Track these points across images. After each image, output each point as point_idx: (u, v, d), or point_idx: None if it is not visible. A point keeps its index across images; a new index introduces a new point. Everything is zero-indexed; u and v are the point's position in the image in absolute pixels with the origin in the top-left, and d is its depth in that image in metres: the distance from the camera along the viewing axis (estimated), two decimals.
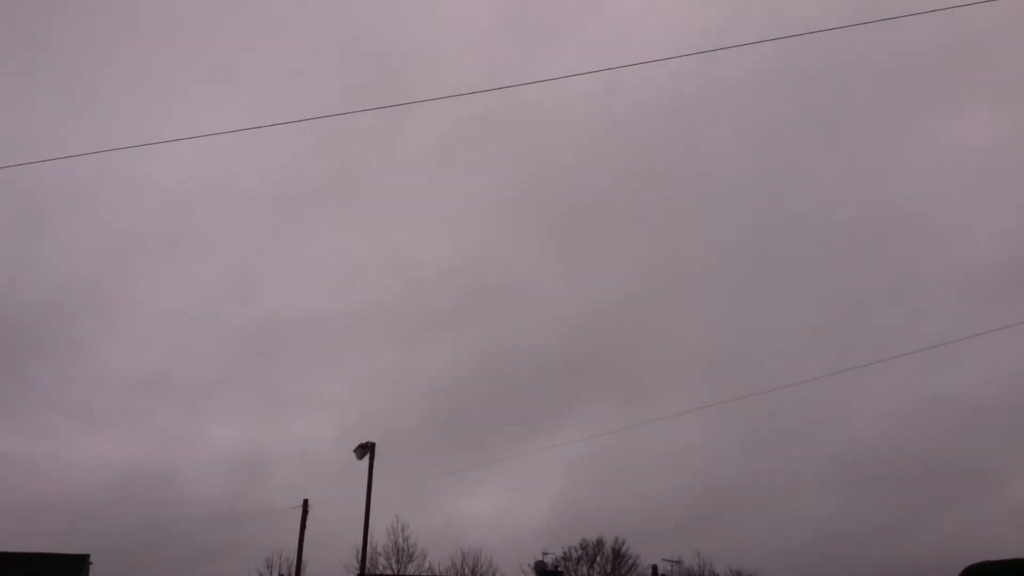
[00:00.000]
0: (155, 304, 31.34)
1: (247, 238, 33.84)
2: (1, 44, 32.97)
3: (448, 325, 29.65)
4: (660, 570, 20.99)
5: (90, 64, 34.58)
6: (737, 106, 25.66)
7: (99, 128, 28.73)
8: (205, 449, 26.86)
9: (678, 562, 21.21)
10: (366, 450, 12.67)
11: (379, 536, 19.70)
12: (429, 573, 20.33)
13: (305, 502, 14.24)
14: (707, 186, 24.52)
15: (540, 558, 21.19)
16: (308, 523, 14.12)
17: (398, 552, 20.16)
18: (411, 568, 20.20)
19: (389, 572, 20.06)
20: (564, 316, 27.02)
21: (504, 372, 28.34)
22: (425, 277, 30.67)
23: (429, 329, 29.31)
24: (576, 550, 22.29)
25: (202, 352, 30.03)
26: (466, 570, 20.82)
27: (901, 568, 17.80)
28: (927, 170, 19.34)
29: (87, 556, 18.97)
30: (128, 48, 34.99)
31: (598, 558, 22.14)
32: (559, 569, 21.22)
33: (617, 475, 21.46)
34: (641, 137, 28.06)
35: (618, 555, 22.13)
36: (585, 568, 22.04)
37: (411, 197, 33.35)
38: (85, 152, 8.29)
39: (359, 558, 13.14)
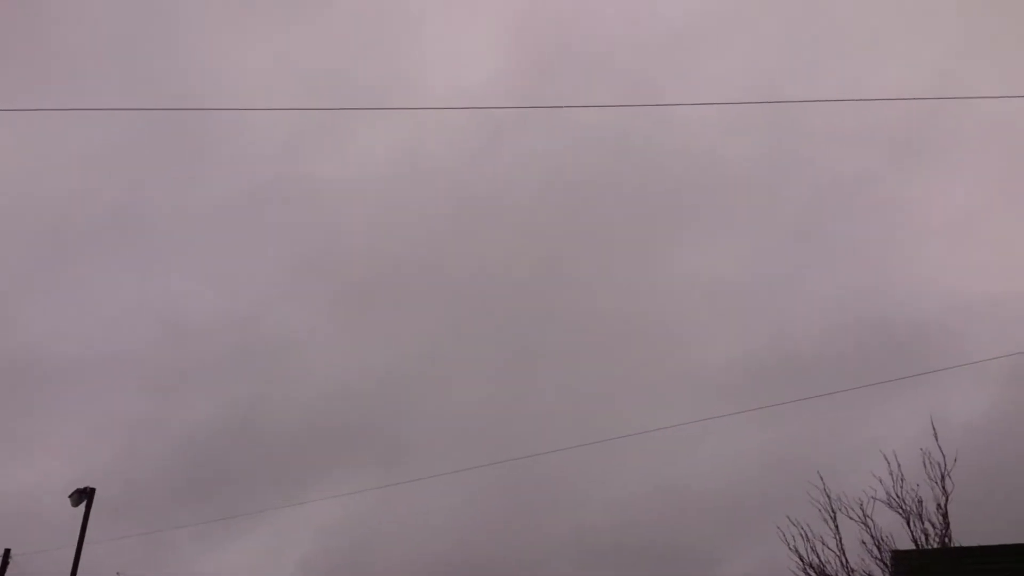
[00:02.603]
0: None
1: (6, 271, 31.13)
2: None
3: (211, 380, 28.44)
4: None
5: None
6: (521, 204, 27.20)
7: None
8: None
9: None
10: (83, 496, 11.82)
11: None
12: None
13: (7, 552, 13.03)
14: (487, 275, 25.60)
15: None
16: None
17: None
18: None
19: None
20: (335, 382, 26.82)
21: (266, 431, 27.46)
22: (193, 329, 29.41)
23: (189, 382, 27.98)
24: None
25: None
26: None
27: None
28: (675, 285, 21.49)
29: None
30: None
31: None
32: None
33: (371, 540, 21.29)
34: (431, 223, 28.96)
35: None
36: None
37: (195, 249, 32.15)
38: None
39: None
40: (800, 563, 10.09)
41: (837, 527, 10.14)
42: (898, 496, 9.92)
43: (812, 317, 17.47)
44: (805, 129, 19.90)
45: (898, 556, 8.27)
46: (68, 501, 12.26)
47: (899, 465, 10.03)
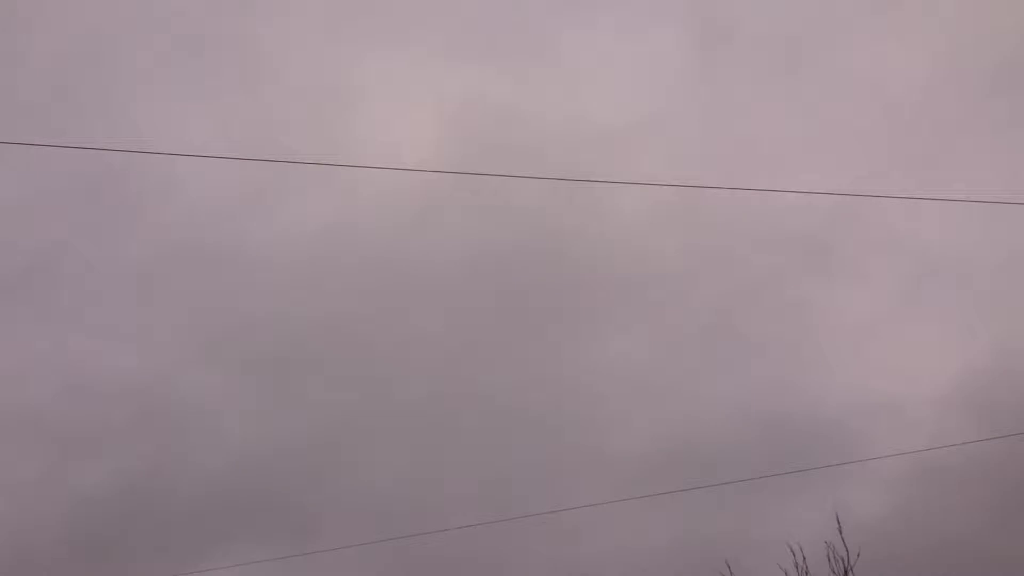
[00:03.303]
0: None
1: None
2: None
3: (112, 442, 27.32)
4: None
5: None
6: (450, 283, 27.48)
7: None
8: None
9: None
10: None
11: None
12: None
13: None
14: (409, 350, 25.62)
15: None
16: None
17: None
18: None
19: None
20: (245, 451, 26.02)
21: (169, 498, 26.42)
22: (97, 389, 28.26)
23: (89, 443, 26.85)
24: None
25: None
26: None
27: None
28: (595, 370, 21.95)
29: None
30: None
31: None
32: None
33: None
34: (356, 294, 28.95)
35: None
36: None
37: (106, 307, 31.09)
38: None
39: None
40: None
41: None
42: None
43: (722, 410, 17.91)
44: (724, 228, 20.79)
45: None
46: None
47: (804, 558, 10.40)
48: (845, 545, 10.21)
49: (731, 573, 10.55)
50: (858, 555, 10.15)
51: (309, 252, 29.51)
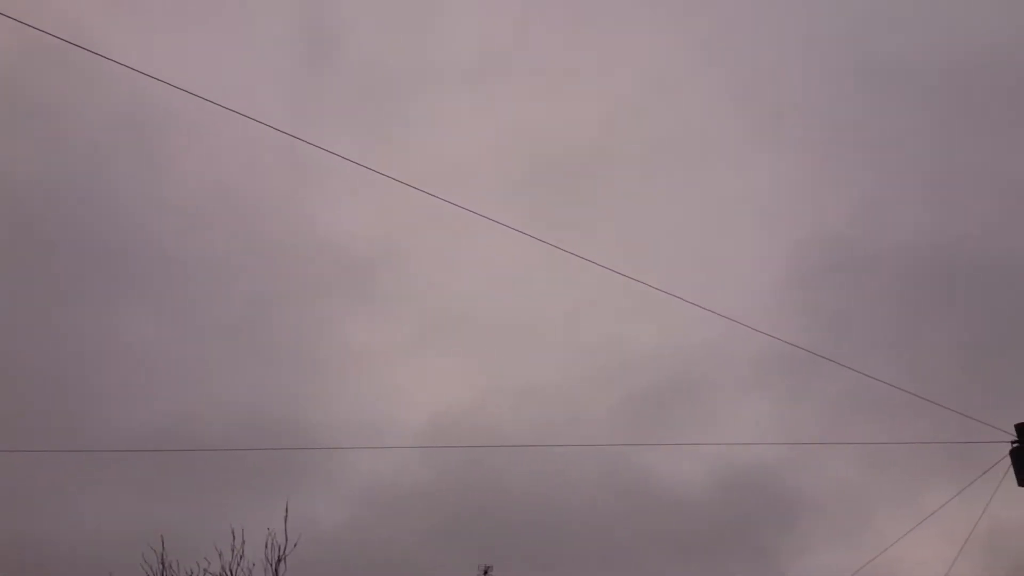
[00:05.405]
0: None
1: None
2: None
3: None
4: None
5: None
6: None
7: None
8: None
9: None
10: None
11: None
12: None
13: None
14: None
15: None
16: None
17: None
18: None
19: None
20: None
21: None
22: None
23: None
24: None
25: None
26: None
27: None
28: (112, 344, 20.38)
29: None
30: None
31: None
32: None
33: None
34: None
35: None
36: None
37: None
38: None
39: None
40: None
41: None
42: (231, 572, 10.11)
43: (225, 404, 17.68)
44: (278, 235, 20.73)
45: None
46: None
47: (244, 541, 10.24)
48: (286, 534, 10.25)
49: (163, 547, 10.10)
50: (295, 545, 10.26)
51: None
